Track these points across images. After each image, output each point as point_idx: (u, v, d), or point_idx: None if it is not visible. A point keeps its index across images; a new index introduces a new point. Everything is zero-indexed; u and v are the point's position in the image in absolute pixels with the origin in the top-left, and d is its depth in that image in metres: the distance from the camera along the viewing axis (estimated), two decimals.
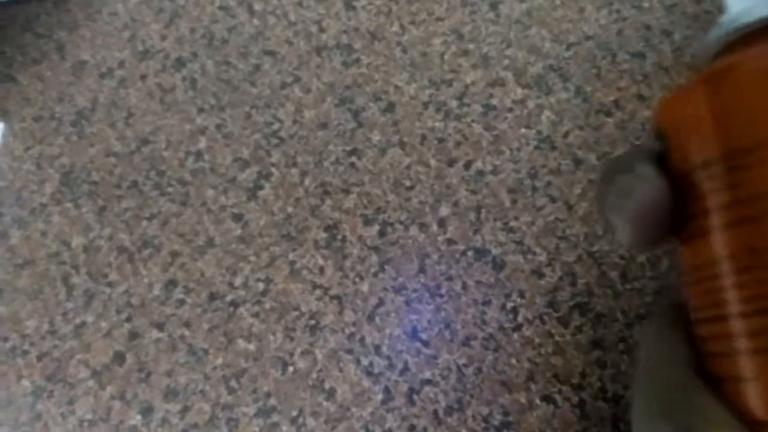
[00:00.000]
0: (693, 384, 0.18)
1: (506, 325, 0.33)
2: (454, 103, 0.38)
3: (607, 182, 0.21)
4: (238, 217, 0.37)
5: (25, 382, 0.35)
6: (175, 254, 0.37)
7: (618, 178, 0.20)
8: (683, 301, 0.22)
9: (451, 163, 0.37)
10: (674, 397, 0.18)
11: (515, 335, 0.33)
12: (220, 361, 0.34)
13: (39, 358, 0.36)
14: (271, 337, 0.35)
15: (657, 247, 0.21)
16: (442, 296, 0.34)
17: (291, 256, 0.36)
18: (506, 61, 0.38)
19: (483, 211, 0.35)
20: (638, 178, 0.19)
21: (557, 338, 0.33)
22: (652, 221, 0.19)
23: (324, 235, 0.36)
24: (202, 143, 0.39)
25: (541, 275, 0.34)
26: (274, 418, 0.33)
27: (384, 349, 0.34)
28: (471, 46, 0.39)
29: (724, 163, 0.17)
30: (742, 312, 0.17)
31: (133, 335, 0.35)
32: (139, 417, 0.34)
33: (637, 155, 0.20)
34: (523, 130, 0.37)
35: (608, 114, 0.36)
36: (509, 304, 0.34)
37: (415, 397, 0.33)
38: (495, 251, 0.35)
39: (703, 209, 0.18)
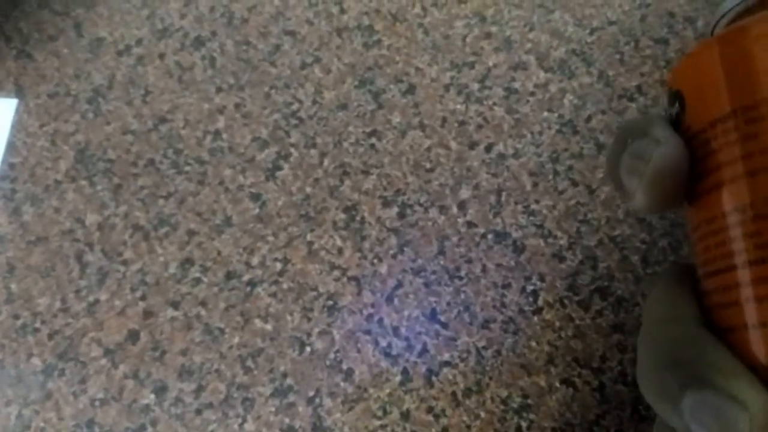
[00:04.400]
0: (702, 335, 0.18)
1: (526, 308, 0.33)
2: (475, 86, 0.37)
3: (620, 146, 0.21)
4: (256, 197, 0.37)
5: (36, 360, 0.35)
6: (191, 233, 0.36)
7: (633, 142, 0.20)
8: (687, 263, 0.22)
9: (472, 146, 0.36)
10: (683, 349, 0.18)
11: (535, 318, 0.33)
12: (236, 340, 0.34)
13: (50, 336, 0.35)
14: (289, 317, 0.34)
15: (671, 209, 0.21)
16: (461, 278, 0.34)
17: (309, 237, 0.35)
18: (529, 45, 0.38)
19: (504, 194, 0.35)
20: (654, 141, 0.19)
21: (577, 322, 0.32)
22: (669, 184, 0.19)
23: (343, 216, 0.36)
24: (221, 122, 0.38)
25: (561, 259, 0.34)
26: (291, 398, 0.33)
27: (402, 331, 0.33)
28: (494, 29, 0.39)
29: (740, 116, 0.18)
30: (754, 260, 0.17)
31: (148, 314, 0.35)
32: (152, 396, 0.33)
33: (650, 119, 0.20)
34: (545, 114, 0.36)
35: (631, 99, 0.36)
36: (529, 287, 0.33)
37: (433, 378, 0.32)
38: (515, 234, 0.34)
39: (716, 163, 0.18)
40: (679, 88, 0.20)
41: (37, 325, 0.35)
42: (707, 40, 0.19)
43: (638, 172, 0.19)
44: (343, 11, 0.40)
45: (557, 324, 0.33)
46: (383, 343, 0.33)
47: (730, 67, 0.18)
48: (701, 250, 0.19)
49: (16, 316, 0.36)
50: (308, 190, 0.36)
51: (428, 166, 0.36)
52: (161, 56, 0.41)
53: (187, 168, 0.38)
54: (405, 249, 0.35)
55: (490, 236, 0.34)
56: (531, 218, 0.34)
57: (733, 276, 0.18)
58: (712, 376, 0.17)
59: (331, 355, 0.33)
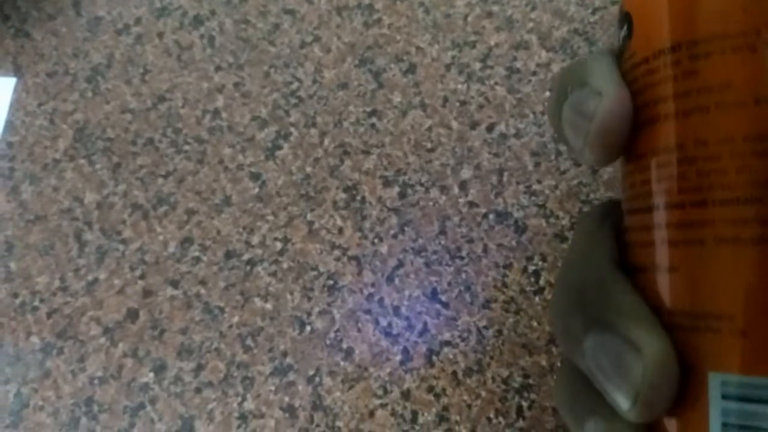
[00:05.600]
0: (610, 276, 0.18)
1: (527, 288, 0.33)
2: (477, 66, 0.37)
3: (560, 95, 0.19)
4: (255, 176, 0.36)
5: (35, 339, 0.35)
6: (191, 212, 0.36)
7: (572, 92, 0.19)
8: (615, 200, 0.21)
9: (474, 125, 0.36)
10: (590, 290, 0.18)
11: (537, 298, 0.33)
12: (236, 319, 0.34)
13: (49, 314, 0.35)
14: (289, 297, 0.34)
15: (620, 157, 0.20)
16: (462, 258, 0.34)
17: (309, 216, 0.35)
18: (531, 24, 0.38)
19: (505, 174, 0.35)
20: (595, 93, 0.18)
21: None
22: (615, 139, 0.18)
23: (343, 195, 0.35)
24: (220, 101, 0.38)
25: (563, 239, 0.34)
26: (291, 377, 0.33)
27: (403, 310, 0.33)
28: (495, 8, 0.38)
29: (683, 51, 0.17)
30: (677, 202, 0.16)
31: (147, 292, 0.35)
32: (151, 374, 0.33)
33: (590, 64, 0.19)
34: (547, 94, 0.36)
35: None
36: (531, 267, 0.33)
37: (434, 358, 0.32)
38: (517, 214, 0.34)
39: (654, 98, 0.17)
40: (628, 11, 0.19)
41: (36, 303, 0.35)
42: None
43: (582, 131, 0.18)
44: None
45: None
46: (383, 323, 0.33)
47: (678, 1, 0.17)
48: (628, 186, 0.19)
49: (15, 295, 0.35)
50: (308, 169, 0.36)
51: (429, 145, 0.36)
52: (160, 35, 0.40)
53: (186, 147, 0.37)
54: (406, 229, 0.34)
55: (491, 216, 0.34)
56: (533, 198, 0.34)
57: (652, 216, 0.17)
58: (614, 319, 0.17)
59: (331, 335, 0.33)
